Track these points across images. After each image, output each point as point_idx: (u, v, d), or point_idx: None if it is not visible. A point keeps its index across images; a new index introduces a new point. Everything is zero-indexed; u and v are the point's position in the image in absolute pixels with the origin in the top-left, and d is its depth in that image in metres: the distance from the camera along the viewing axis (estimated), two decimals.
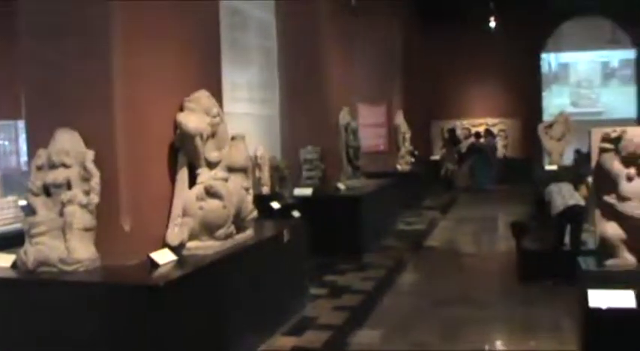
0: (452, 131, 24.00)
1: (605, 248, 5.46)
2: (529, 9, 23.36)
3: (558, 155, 15.65)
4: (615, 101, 25.65)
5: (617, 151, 5.40)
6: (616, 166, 5.39)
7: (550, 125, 16.09)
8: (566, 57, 26.48)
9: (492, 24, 23.64)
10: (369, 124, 17.39)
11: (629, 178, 5.35)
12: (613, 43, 25.50)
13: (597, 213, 5.61)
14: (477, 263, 11.70)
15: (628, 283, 5.26)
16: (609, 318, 5.20)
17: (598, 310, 5.20)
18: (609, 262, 5.44)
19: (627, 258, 5.39)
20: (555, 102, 25.92)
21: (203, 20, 6.62)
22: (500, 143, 24.70)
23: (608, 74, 26.40)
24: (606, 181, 5.45)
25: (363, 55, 15.99)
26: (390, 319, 8.02)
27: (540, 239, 9.88)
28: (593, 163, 5.54)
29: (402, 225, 14.39)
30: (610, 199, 5.43)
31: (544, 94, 26.11)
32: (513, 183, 19.97)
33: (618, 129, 5.41)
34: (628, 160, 5.37)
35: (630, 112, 25.08)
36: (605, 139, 5.39)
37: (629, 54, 25.90)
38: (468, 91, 25.46)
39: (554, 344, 6.76)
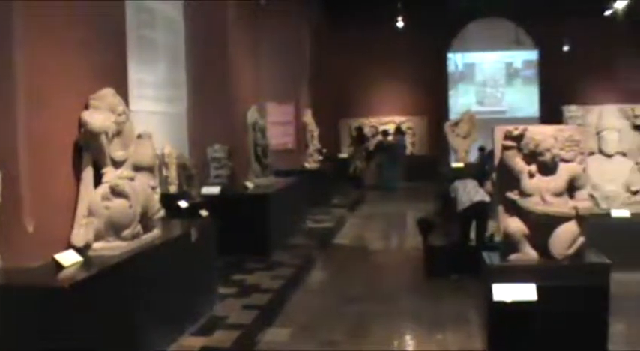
0: (359, 129, 24.22)
1: (508, 243, 5.61)
2: (436, 9, 23.77)
3: (464, 153, 16.02)
4: (519, 100, 26.37)
5: (519, 148, 5.54)
6: (518, 163, 5.54)
7: (456, 123, 16.48)
8: (472, 57, 27.06)
9: (400, 24, 23.90)
10: (278, 122, 17.36)
11: (531, 175, 5.50)
12: (517, 44, 26.17)
13: (501, 209, 5.75)
14: (385, 260, 11.86)
15: (530, 277, 5.41)
16: (512, 310, 5.35)
17: (501, 303, 5.34)
18: (512, 256, 5.59)
19: (529, 252, 5.55)
20: (462, 101, 26.45)
21: (108, 17, 6.48)
22: (408, 141, 25.02)
23: (512, 74, 27.11)
24: (509, 178, 5.59)
25: (271, 54, 15.97)
26: (299, 317, 8.05)
27: (446, 235, 10.08)
28: (497, 161, 5.67)
29: (311, 223, 14.42)
30: (512, 195, 5.57)
31: (451, 92, 26.62)
32: (421, 180, 20.28)
33: (520, 127, 5.56)
34: (529, 158, 5.52)
35: (533, 111, 25.80)
36: (508, 137, 5.53)
37: (532, 55, 26.65)
38: (376, 90, 25.71)
39: (461, 337, 6.91)
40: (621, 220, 10.39)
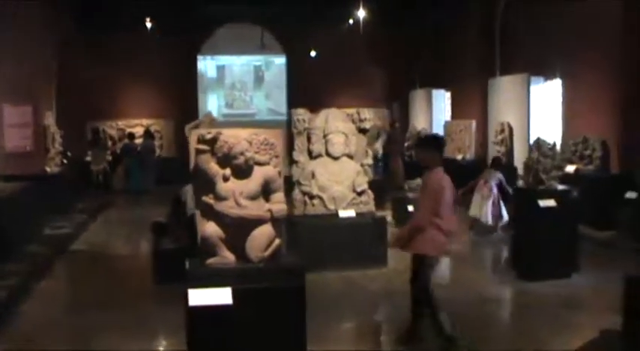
0: (94, 132, 23.49)
1: (207, 247, 5.58)
2: (185, 13, 23.69)
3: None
4: (267, 104, 26.86)
5: (213, 152, 5.53)
6: (212, 167, 5.52)
7: (197, 126, 16.37)
8: (222, 60, 27.25)
9: (149, 25, 23.54)
10: (14, 125, 16.49)
11: (225, 179, 5.51)
12: (265, 49, 26.70)
13: (198, 213, 5.72)
14: (121, 266, 11.63)
15: (227, 280, 5.41)
16: (209, 315, 5.32)
17: (198, 308, 5.30)
18: (210, 260, 5.57)
19: (227, 256, 5.55)
20: (211, 104, 26.54)
21: None
22: (157, 144, 24.67)
23: (260, 77, 27.58)
24: (205, 182, 5.57)
25: (4, 56, 15.12)
26: (24, 329, 7.70)
27: (177, 239, 9.97)
28: (192, 165, 5.62)
29: (49, 230, 13.84)
30: (208, 199, 5.56)
31: (201, 96, 26.59)
32: (171, 183, 20.02)
33: (213, 131, 5.54)
34: (223, 161, 5.52)
35: (281, 115, 26.39)
36: (201, 140, 5.49)
37: (280, 59, 27.25)
38: (125, 92, 25.22)
39: (179, 344, 6.82)
40: (348, 220, 10.83)
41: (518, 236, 10.54)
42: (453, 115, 23.39)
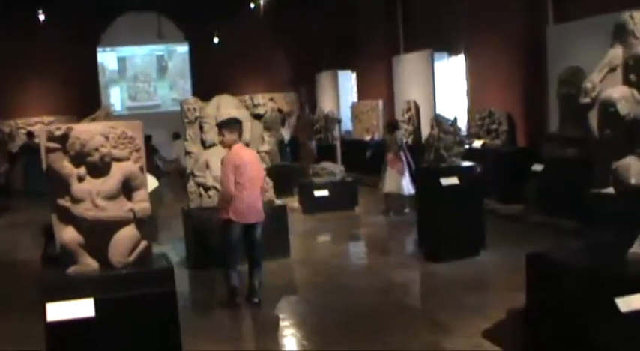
0: None
1: (66, 255, 5.07)
2: (80, 3, 22.73)
3: None
4: (171, 94, 26.11)
5: (65, 150, 4.99)
6: (65, 166, 4.99)
7: (93, 120, 15.65)
8: (123, 52, 26.38)
9: (42, 17, 22.51)
10: None
11: (80, 179, 4.99)
12: (167, 38, 25.99)
13: (54, 218, 5.20)
14: (10, 272, 10.94)
15: (89, 290, 4.91)
16: (69, 330, 4.81)
17: (57, 324, 4.79)
18: (70, 269, 5.05)
19: (88, 263, 5.05)
20: (115, 97, 25.72)
21: None
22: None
23: (163, 68, 26.85)
24: (59, 184, 5.03)
25: None
26: None
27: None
28: (44, 165, 5.06)
29: None
30: (64, 202, 5.03)
31: (104, 89, 25.72)
32: None
33: (64, 127, 4.99)
34: (77, 160, 4.99)
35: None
36: (51, 138, 4.94)
37: (183, 48, 26.56)
38: (22, 89, 24.11)
39: None
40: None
41: (422, 217, 10.20)
42: (360, 96, 23.08)
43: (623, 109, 5.61)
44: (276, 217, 10.40)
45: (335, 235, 12.57)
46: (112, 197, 5.01)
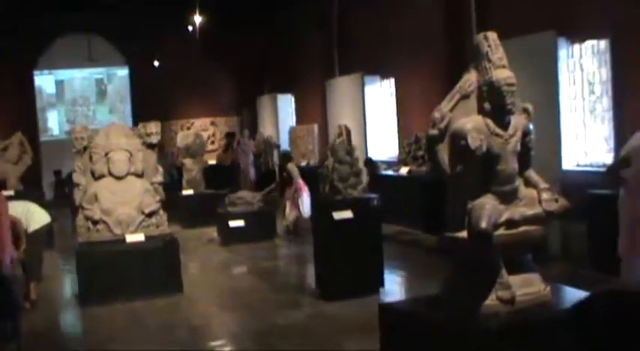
0: None
1: None
2: (15, 26, 22.07)
3: (15, 180, 14.62)
4: (111, 118, 25.42)
5: None
6: None
7: (5, 148, 15.02)
8: (61, 74, 25.74)
9: None
10: None
11: None
12: (107, 61, 25.47)
13: None
14: None
15: None
16: None
17: None
18: None
19: None
20: (52, 121, 25.11)
21: None
22: None
23: (102, 91, 26.27)
24: None
25: None
26: None
27: None
28: None
29: None
30: None
31: (41, 113, 25.06)
32: None
33: None
34: None
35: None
36: None
37: (123, 71, 26.01)
38: None
39: None
40: (136, 245, 9.79)
41: (317, 252, 9.56)
42: (299, 120, 22.60)
43: (473, 142, 5.06)
44: (169, 252, 9.84)
45: (239, 269, 12.01)
46: None
